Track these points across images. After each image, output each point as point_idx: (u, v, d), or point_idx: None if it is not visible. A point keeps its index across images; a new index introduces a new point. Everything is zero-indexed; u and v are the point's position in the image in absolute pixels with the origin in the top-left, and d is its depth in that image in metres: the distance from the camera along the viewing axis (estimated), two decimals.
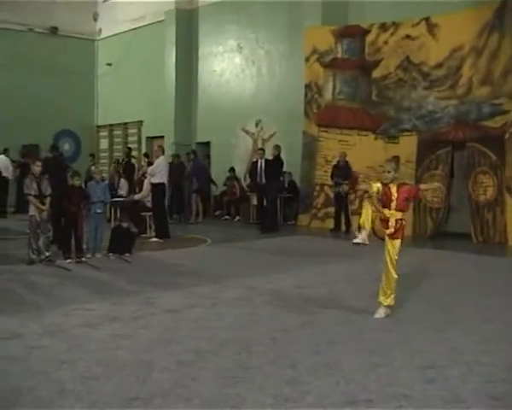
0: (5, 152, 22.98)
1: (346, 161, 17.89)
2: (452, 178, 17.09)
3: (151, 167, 16.52)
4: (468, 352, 6.43)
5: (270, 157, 18.52)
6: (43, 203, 11.86)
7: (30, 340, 6.76)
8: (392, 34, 17.96)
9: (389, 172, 7.83)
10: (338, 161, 18.05)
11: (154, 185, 16.05)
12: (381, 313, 7.80)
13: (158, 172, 16.03)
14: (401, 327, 7.42)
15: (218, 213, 23.16)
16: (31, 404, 4.99)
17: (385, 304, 7.84)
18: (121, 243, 12.95)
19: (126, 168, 21.94)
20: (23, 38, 27.75)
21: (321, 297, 8.21)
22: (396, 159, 9.02)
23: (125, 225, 13.40)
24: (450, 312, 8.27)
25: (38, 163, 12.11)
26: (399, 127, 17.79)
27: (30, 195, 11.83)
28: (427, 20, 17.17)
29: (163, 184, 16.12)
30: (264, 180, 18.29)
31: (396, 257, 7.82)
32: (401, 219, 7.84)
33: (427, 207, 16.91)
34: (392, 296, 7.88)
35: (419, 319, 7.79)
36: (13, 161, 23.67)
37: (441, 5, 16.70)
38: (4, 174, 22.52)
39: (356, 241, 7.86)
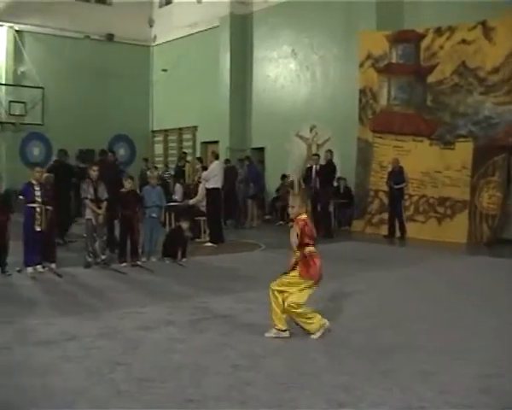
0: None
1: (400, 167, 17.79)
2: (509, 184, 16.81)
3: (205, 173, 16.61)
4: None
5: (323, 162, 18.52)
6: (100, 207, 12.07)
7: (86, 341, 6.88)
8: (447, 39, 17.73)
9: (293, 207, 7.13)
10: (393, 168, 17.94)
11: (208, 190, 16.16)
12: (317, 334, 7.13)
13: (212, 177, 16.11)
14: (454, 334, 7.35)
15: (267, 217, 23.20)
16: (87, 404, 5.09)
17: (315, 330, 7.16)
18: (176, 247, 13.05)
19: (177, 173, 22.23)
20: (80, 45, 28.32)
21: (372, 303, 8.14)
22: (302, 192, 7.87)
23: (185, 225, 13.47)
24: (505, 318, 8.15)
25: (95, 168, 12.33)
26: (455, 133, 17.56)
27: (86, 198, 12.05)
28: (483, 24, 16.89)
29: (217, 189, 16.19)
30: (318, 186, 18.26)
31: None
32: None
33: (484, 213, 16.69)
34: (316, 320, 7.19)
35: (473, 326, 7.70)
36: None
37: (498, 9, 16.42)
38: None
39: (268, 335, 7.38)
